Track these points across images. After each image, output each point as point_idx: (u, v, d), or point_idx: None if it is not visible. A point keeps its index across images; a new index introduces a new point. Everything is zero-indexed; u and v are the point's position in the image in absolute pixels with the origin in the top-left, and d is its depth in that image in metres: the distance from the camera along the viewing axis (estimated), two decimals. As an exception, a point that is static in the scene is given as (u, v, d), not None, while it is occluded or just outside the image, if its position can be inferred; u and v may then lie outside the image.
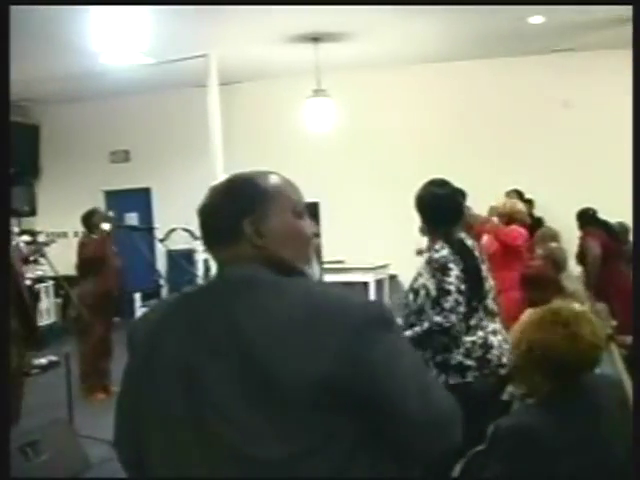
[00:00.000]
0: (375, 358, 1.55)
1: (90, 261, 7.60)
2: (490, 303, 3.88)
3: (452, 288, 3.72)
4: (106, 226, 7.74)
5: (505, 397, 3.87)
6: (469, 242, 3.96)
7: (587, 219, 8.24)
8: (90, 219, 7.83)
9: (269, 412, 1.53)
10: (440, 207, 3.94)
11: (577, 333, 2.54)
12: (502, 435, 2.45)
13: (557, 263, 6.07)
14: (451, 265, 3.78)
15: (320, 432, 1.54)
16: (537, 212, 10.43)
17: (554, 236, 7.59)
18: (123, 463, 1.92)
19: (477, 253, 3.95)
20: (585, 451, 2.39)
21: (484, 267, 3.93)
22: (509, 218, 6.98)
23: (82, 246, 7.76)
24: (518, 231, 6.89)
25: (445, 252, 3.82)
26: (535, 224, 9.70)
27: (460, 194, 4.11)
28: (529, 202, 10.59)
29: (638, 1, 3.97)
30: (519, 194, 9.67)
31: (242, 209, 1.70)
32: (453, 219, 3.99)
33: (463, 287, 3.75)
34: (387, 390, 1.57)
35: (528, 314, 2.75)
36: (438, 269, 3.80)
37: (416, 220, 4.17)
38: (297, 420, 1.53)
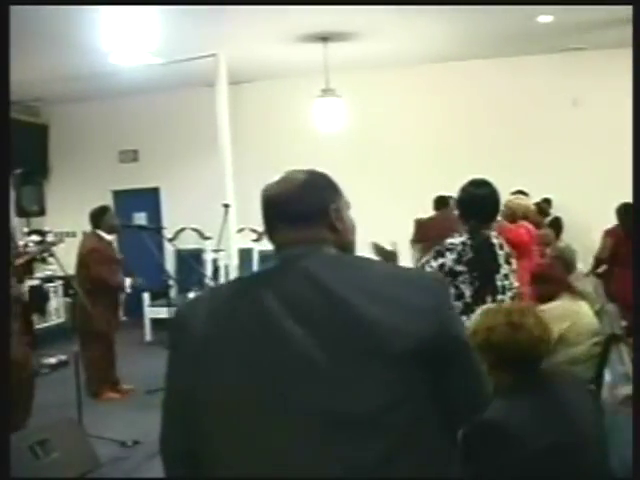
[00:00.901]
0: (454, 323, 1.80)
1: (92, 258, 7.55)
2: (505, 300, 3.93)
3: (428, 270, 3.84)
4: (108, 237, 7.71)
5: None
6: (496, 240, 4.07)
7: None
8: (101, 217, 7.76)
9: (360, 369, 1.65)
10: (475, 206, 4.08)
11: (517, 324, 2.70)
12: (467, 435, 2.50)
13: (566, 263, 6.09)
14: (447, 254, 3.90)
15: (403, 387, 1.68)
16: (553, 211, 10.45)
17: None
18: (168, 457, 1.89)
19: (502, 252, 4.05)
20: (551, 438, 2.46)
21: (507, 267, 4.01)
22: (515, 215, 6.98)
23: (85, 242, 7.74)
24: (524, 227, 6.88)
25: (456, 240, 3.96)
26: (553, 223, 9.71)
27: (497, 195, 4.21)
28: (547, 201, 10.58)
29: (638, 1, 3.96)
30: (523, 194, 9.65)
31: (328, 198, 1.93)
32: (485, 217, 4.13)
33: (457, 278, 3.85)
34: (460, 354, 1.80)
35: (480, 311, 2.97)
36: (435, 252, 3.97)
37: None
38: (386, 375, 1.66)
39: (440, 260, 3.88)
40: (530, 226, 7.08)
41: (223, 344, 1.74)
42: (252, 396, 1.68)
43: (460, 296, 3.83)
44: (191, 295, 9.68)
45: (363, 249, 4.07)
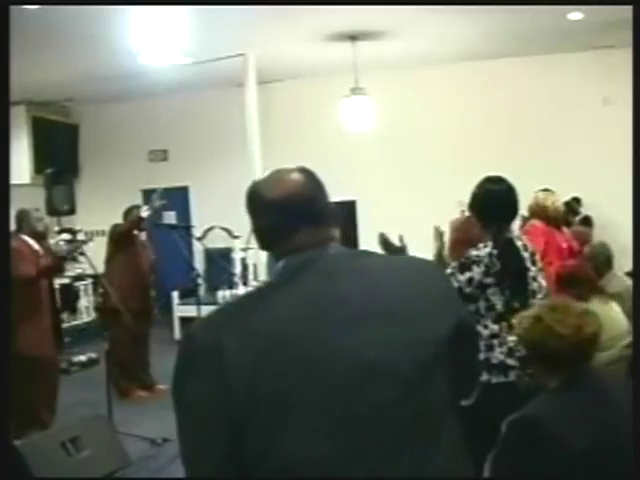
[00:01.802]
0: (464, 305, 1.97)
1: (118, 239, 7.67)
2: (536, 303, 3.83)
3: (456, 286, 3.68)
4: (145, 212, 7.77)
5: None
6: (519, 242, 3.91)
7: None
8: (130, 214, 7.87)
9: (413, 364, 1.69)
10: (493, 205, 3.92)
11: (572, 324, 2.69)
12: (510, 429, 2.51)
13: (598, 264, 5.99)
14: (474, 267, 3.74)
15: (443, 375, 1.75)
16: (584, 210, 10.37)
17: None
18: (216, 462, 1.67)
19: (526, 254, 3.89)
20: (593, 437, 2.44)
21: (534, 268, 3.89)
22: (532, 213, 6.86)
23: (114, 227, 7.85)
24: (533, 227, 6.74)
25: (482, 252, 3.79)
26: (583, 222, 9.61)
27: (515, 192, 4.03)
28: (576, 200, 10.49)
29: (638, 1, 3.93)
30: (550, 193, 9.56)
31: (325, 193, 1.89)
32: (506, 217, 3.96)
33: (469, 290, 3.72)
34: (472, 334, 1.99)
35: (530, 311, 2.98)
36: (460, 264, 3.81)
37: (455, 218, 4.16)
38: (433, 366, 1.72)
39: (468, 274, 3.73)
40: (540, 224, 6.90)
41: (279, 356, 1.64)
42: (318, 406, 1.63)
43: (491, 307, 3.73)
44: (220, 293, 9.74)
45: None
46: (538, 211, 6.88)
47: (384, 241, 3.91)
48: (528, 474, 2.48)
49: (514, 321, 3.73)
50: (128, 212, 7.92)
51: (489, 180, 4.02)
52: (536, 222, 6.73)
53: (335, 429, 1.62)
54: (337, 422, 1.63)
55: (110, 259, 7.78)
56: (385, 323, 1.69)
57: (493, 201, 3.94)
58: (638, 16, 3.81)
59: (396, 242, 4.10)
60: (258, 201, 1.85)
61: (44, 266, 6.27)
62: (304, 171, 1.88)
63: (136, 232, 7.88)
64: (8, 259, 4.74)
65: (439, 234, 4.15)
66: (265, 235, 1.87)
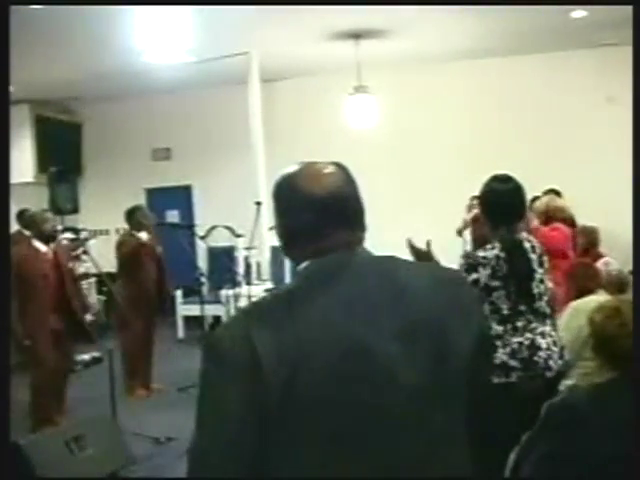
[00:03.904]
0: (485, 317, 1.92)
1: (126, 262, 7.63)
2: (542, 305, 3.81)
3: (464, 271, 3.72)
4: (143, 235, 7.75)
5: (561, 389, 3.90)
6: (527, 244, 3.88)
7: None
8: (132, 216, 7.85)
9: (442, 375, 1.67)
10: (501, 204, 3.90)
11: (629, 322, 2.65)
12: (550, 412, 2.50)
13: (618, 287, 5.99)
14: (479, 269, 3.73)
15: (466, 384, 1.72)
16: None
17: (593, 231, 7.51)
18: (237, 459, 1.60)
19: (534, 256, 3.87)
20: (629, 439, 2.42)
21: (541, 270, 3.86)
22: (547, 216, 6.87)
23: (120, 245, 7.78)
24: (559, 230, 6.77)
25: (489, 253, 3.77)
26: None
27: (523, 190, 4.00)
28: (555, 192, 10.43)
29: (638, 1, 3.92)
30: (556, 193, 9.55)
31: (359, 193, 1.80)
32: (513, 217, 3.93)
33: (492, 294, 3.72)
34: (490, 346, 2.09)
35: (596, 300, 2.92)
36: (467, 265, 3.79)
37: (459, 217, 4.15)
38: (459, 377, 1.69)
39: (474, 275, 3.71)
40: (564, 227, 6.95)
41: (312, 359, 1.58)
42: (346, 413, 1.59)
43: (496, 310, 3.71)
44: (223, 292, 9.73)
45: (404, 247, 4.06)
46: (557, 213, 6.92)
47: (412, 247, 3.87)
48: (557, 462, 2.47)
49: (519, 324, 3.74)
50: (130, 213, 7.87)
51: (496, 179, 4.00)
52: (558, 224, 6.77)
53: (362, 441, 1.60)
54: (365, 433, 1.60)
55: (119, 273, 7.82)
56: (413, 333, 1.65)
57: (500, 200, 3.91)
58: (638, 16, 3.80)
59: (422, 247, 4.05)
60: (295, 196, 1.73)
61: (50, 271, 6.29)
62: (341, 168, 1.78)
63: (139, 235, 7.84)
64: (8, 259, 4.74)
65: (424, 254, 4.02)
66: (296, 234, 1.75)
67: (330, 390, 1.57)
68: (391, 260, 1.78)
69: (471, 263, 3.79)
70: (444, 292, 1.75)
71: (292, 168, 1.79)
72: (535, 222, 6.82)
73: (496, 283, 3.72)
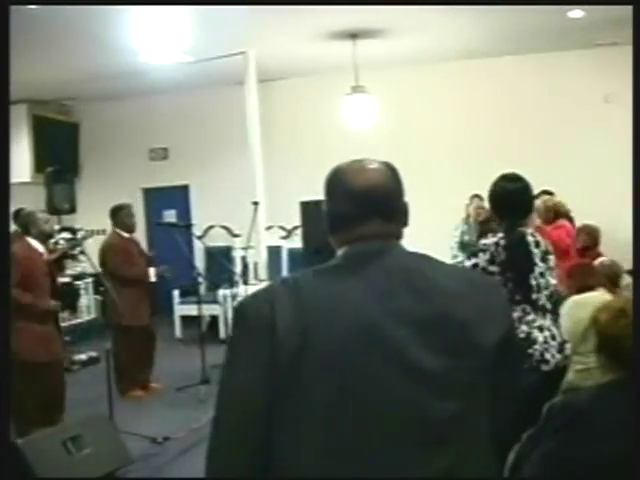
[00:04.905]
0: (514, 323, 1.98)
1: (117, 264, 7.60)
2: (542, 299, 3.87)
3: (466, 258, 3.89)
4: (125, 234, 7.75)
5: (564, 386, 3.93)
6: (531, 238, 3.97)
7: None
8: (117, 214, 7.83)
9: (461, 371, 1.70)
10: (509, 202, 4.01)
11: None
12: (554, 412, 2.49)
13: (612, 278, 6.04)
14: (479, 254, 3.85)
15: (485, 385, 1.76)
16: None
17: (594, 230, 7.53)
18: (250, 419, 1.70)
19: (537, 250, 3.95)
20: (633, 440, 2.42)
21: (543, 265, 3.93)
22: (555, 212, 6.88)
23: (107, 249, 7.76)
24: (565, 228, 6.78)
25: (489, 241, 3.90)
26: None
27: (531, 189, 4.13)
28: (548, 193, 10.44)
29: (638, 1, 3.92)
30: (549, 194, 9.56)
31: (403, 191, 1.96)
32: (520, 213, 4.05)
33: (492, 268, 3.80)
34: (516, 351, 2.03)
35: (596, 296, 2.90)
36: (470, 253, 3.97)
37: (456, 217, 4.20)
38: (478, 375, 1.73)
39: (473, 260, 3.84)
40: (568, 224, 6.96)
41: (325, 341, 1.67)
42: (355, 398, 1.66)
43: None
44: (220, 292, 9.74)
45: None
46: (557, 211, 6.95)
47: None
48: (559, 462, 2.47)
49: (515, 314, 3.76)
50: (115, 212, 7.84)
51: (505, 178, 4.10)
52: (563, 222, 6.79)
53: (369, 421, 1.65)
54: (366, 408, 1.66)
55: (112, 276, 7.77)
56: (430, 324, 1.69)
57: (509, 198, 4.02)
58: (638, 16, 3.81)
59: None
60: (340, 186, 1.88)
61: (47, 270, 6.28)
62: (389, 166, 1.95)
63: (127, 235, 7.82)
64: (8, 259, 4.74)
65: None
66: (339, 220, 1.87)
67: (337, 363, 1.66)
68: (423, 257, 1.86)
69: (473, 250, 3.98)
70: (472, 294, 1.79)
71: (344, 162, 1.96)
72: (537, 221, 6.85)
73: (493, 268, 3.81)
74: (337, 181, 1.90)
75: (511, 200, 4.01)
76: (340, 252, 1.85)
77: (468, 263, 3.84)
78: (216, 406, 1.76)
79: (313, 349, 1.65)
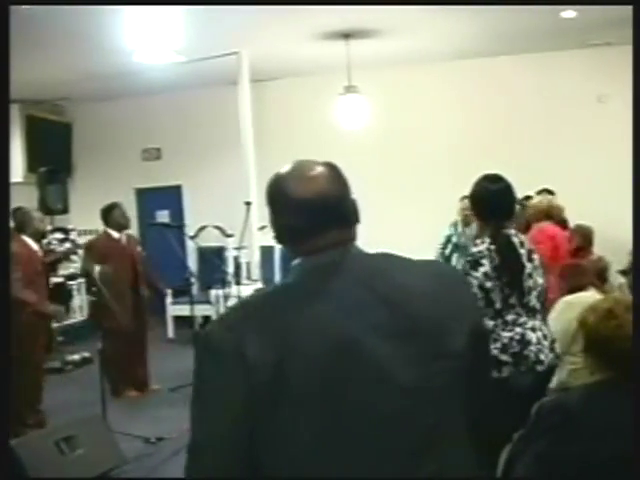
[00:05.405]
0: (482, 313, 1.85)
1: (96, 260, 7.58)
2: (532, 300, 3.86)
3: (475, 283, 3.73)
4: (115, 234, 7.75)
5: (553, 385, 3.92)
6: (516, 239, 3.94)
7: None
8: (109, 212, 7.82)
9: (435, 376, 1.66)
10: (491, 203, 3.96)
11: (624, 323, 2.63)
12: (544, 412, 2.50)
13: (600, 274, 6.05)
14: (483, 261, 3.79)
15: (462, 385, 1.72)
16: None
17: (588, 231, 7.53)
18: (230, 452, 1.64)
19: (523, 251, 3.92)
20: (627, 441, 2.42)
21: (530, 265, 3.91)
22: (546, 215, 6.87)
23: (89, 246, 7.79)
24: (540, 231, 6.75)
25: (482, 247, 3.84)
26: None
27: (513, 190, 4.07)
28: (548, 192, 10.46)
29: (638, 1, 3.93)
30: (550, 193, 9.58)
31: (350, 190, 1.81)
32: (503, 215, 3.99)
33: (489, 284, 3.75)
34: (487, 342, 2.05)
35: (587, 296, 2.89)
36: (469, 263, 3.85)
37: (448, 218, 4.19)
38: (453, 377, 1.69)
39: (481, 269, 3.76)
40: (551, 226, 6.94)
41: (299, 360, 1.59)
42: (338, 420, 1.60)
43: (490, 304, 3.74)
44: (213, 292, 9.73)
45: (394, 247, 4.08)
46: (549, 213, 6.91)
47: None
48: (553, 461, 2.47)
49: (509, 317, 3.77)
50: (106, 211, 7.82)
51: (487, 178, 4.05)
52: (545, 224, 6.76)
53: (348, 436, 1.60)
54: (351, 429, 1.60)
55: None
56: (405, 332, 1.65)
57: (491, 199, 3.97)
58: (638, 16, 3.82)
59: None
60: (285, 198, 1.75)
61: (41, 269, 6.30)
62: (331, 166, 1.81)
63: (116, 236, 7.81)
64: (8, 259, 4.75)
65: None
66: (289, 233, 1.78)
67: (314, 386, 1.58)
68: (385, 257, 1.80)
69: (472, 259, 3.85)
70: (441, 289, 1.75)
71: (283, 169, 1.81)
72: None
73: (492, 274, 3.78)
74: (279, 192, 1.77)
75: (493, 201, 3.96)
76: (294, 265, 1.77)
77: (477, 274, 3.74)
78: (190, 443, 1.69)
79: (289, 376, 1.57)
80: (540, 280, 3.95)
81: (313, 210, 1.72)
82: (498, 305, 3.76)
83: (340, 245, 1.74)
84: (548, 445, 2.48)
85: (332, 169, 1.80)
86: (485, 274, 3.75)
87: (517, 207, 5.33)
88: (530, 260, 3.94)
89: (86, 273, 7.55)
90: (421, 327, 1.66)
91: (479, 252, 3.83)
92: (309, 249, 1.74)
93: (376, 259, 1.78)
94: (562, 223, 7.14)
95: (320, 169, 1.78)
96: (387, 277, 1.71)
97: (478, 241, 3.91)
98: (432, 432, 1.66)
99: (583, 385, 2.72)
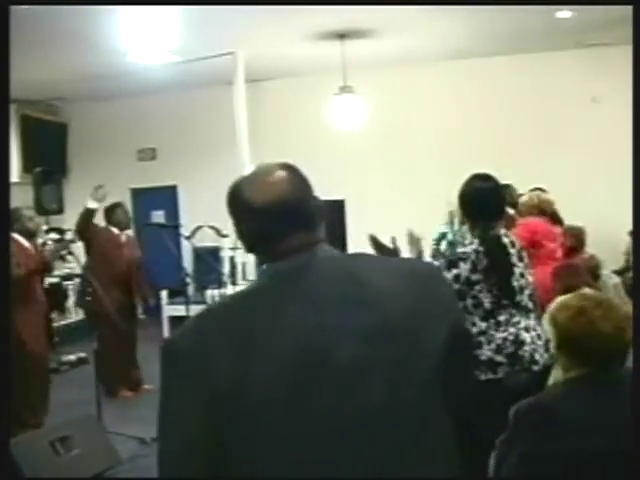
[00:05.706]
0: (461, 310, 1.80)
1: (80, 236, 7.71)
2: (524, 299, 3.85)
3: (445, 268, 3.75)
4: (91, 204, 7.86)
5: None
6: (506, 239, 3.92)
7: None
8: (113, 211, 7.93)
9: (409, 374, 1.62)
10: (480, 202, 3.93)
11: (597, 318, 2.63)
12: (522, 414, 2.50)
13: (591, 272, 6.06)
14: (460, 264, 3.76)
15: (437, 379, 1.67)
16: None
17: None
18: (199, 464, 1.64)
19: (513, 250, 3.91)
20: (606, 436, 2.43)
21: (521, 264, 3.90)
22: (540, 211, 6.85)
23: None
24: (527, 225, 6.73)
25: (469, 249, 3.82)
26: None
27: (503, 189, 4.06)
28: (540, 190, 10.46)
29: (638, 1, 3.94)
30: (542, 192, 9.57)
31: (312, 190, 1.78)
32: (492, 215, 3.96)
33: (457, 287, 3.72)
34: (467, 338, 1.96)
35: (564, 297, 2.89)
36: (446, 261, 3.87)
37: (441, 217, 4.18)
38: (426, 373, 1.65)
39: (454, 271, 3.72)
40: (536, 220, 6.90)
41: (278, 344, 1.58)
42: (300, 419, 1.57)
43: (478, 305, 3.74)
44: (209, 292, 9.72)
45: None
46: (540, 208, 6.89)
47: (375, 243, 3.89)
48: (537, 460, 2.48)
49: (502, 318, 3.77)
50: (109, 210, 7.95)
51: (476, 177, 4.02)
52: (530, 219, 6.75)
53: (317, 441, 1.57)
54: (319, 434, 1.57)
55: (87, 255, 7.85)
56: (378, 334, 1.61)
57: (480, 198, 3.94)
58: (638, 16, 3.82)
59: (388, 243, 4.09)
60: (243, 205, 1.74)
61: (33, 267, 6.29)
62: (290, 169, 1.77)
63: (114, 230, 7.83)
64: (8, 259, 4.74)
65: (415, 240, 4.10)
66: (252, 240, 1.77)
67: (280, 392, 1.56)
68: (356, 258, 1.78)
69: (451, 259, 3.85)
70: (416, 287, 1.71)
71: (241, 177, 1.81)
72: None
73: (477, 277, 3.75)
74: (237, 200, 1.76)
75: (482, 200, 3.93)
76: (261, 270, 1.76)
77: (449, 275, 3.69)
78: (157, 453, 1.71)
79: (254, 382, 1.55)
80: (530, 279, 3.95)
81: (273, 215, 1.70)
82: (487, 305, 3.75)
83: (306, 248, 1.70)
84: (531, 445, 2.49)
85: (291, 171, 1.77)
86: (456, 277, 3.72)
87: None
88: (520, 259, 3.93)
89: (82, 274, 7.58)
90: (395, 327, 1.62)
91: (463, 253, 3.81)
92: (274, 254, 1.71)
93: (347, 260, 1.77)
94: (553, 216, 7.10)
95: (278, 173, 1.75)
96: (359, 278, 1.67)
97: (467, 241, 3.90)
98: (410, 436, 1.62)
99: (558, 383, 2.72)
